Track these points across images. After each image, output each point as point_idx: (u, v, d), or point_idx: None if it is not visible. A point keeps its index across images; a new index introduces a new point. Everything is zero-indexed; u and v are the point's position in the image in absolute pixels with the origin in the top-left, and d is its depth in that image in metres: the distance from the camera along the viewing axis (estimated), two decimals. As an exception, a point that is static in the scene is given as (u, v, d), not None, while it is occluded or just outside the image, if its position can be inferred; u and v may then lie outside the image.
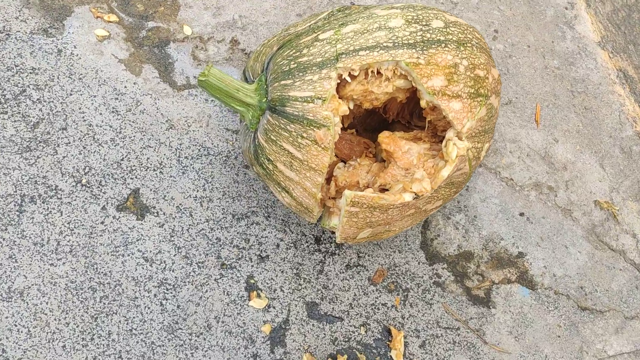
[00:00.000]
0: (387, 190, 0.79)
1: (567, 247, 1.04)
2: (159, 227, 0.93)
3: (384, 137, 0.75)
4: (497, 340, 0.95)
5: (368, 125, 0.93)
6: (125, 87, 1.04)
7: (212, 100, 1.06)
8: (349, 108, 0.74)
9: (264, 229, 0.95)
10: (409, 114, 0.86)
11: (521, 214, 1.06)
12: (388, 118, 0.85)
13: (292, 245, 0.95)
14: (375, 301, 0.93)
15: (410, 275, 0.96)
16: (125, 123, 1.01)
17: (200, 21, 1.14)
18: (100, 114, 1.01)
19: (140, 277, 0.89)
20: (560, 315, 0.98)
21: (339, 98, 0.73)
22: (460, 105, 0.71)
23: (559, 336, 0.96)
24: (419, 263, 0.98)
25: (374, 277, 0.95)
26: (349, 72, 0.70)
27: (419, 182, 0.72)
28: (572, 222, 1.07)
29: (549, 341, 0.96)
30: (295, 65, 0.71)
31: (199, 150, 1.00)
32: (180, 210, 0.95)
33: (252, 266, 0.92)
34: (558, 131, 1.16)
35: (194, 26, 1.13)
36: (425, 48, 0.70)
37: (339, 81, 0.70)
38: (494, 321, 0.96)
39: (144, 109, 1.02)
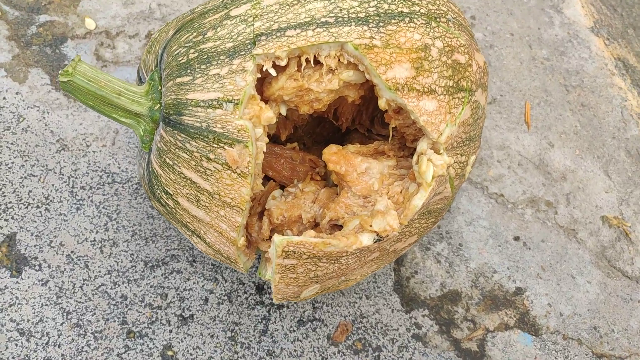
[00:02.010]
0: (340, 226, 0.57)
1: (573, 276, 0.84)
2: (42, 285, 0.69)
3: (331, 153, 0.53)
4: (497, 407, 0.73)
5: (318, 135, 0.71)
6: (4, 98, 0.80)
7: (120, 112, 0.82)
8: (280, 114, 0.52)
9: (188, 279, 0.72)
10: (368, 119, 0.64)
11: (516, 239, 0.85)
12: (341, 126, 0.64)
13: (225, 298, 0.72)
14: (337, 367, 0.71)
15: (381, 328, 0.74)
16: (0, 146, 0.76)
17: (107, 12, 0.91)
18: (-35, 134, 0.77)
19: (13, 358, 0.65)
20: (572, 366, 0.77)
21: (263, 100, 0.51)
22: (435, 104, 0.50)
23: (573, 395, 0.76)
24: (392, 311, 0.76)
25: (334, 334, 0.72)
26: (273, 62, 0.48)
27: (382, 217, 0.50)
28: (577, 244, 0.87)
29: (561, 403, 0.75)
30: (196, 54, 0.49)
31: (100, 177, 0.77)
32: (72, 260, 0.71)
33: (171, 331, 0.69)
34: (553, 134, 0.96)
35: (99, 19, 0.90)
36: (381, 24, 0.48)
37: (259, 75, 0.48)
38: (492, 382, 0.74)
39: (28, 126, 0.79)
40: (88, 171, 0.77)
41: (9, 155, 0.76)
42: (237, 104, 0.47)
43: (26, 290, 0.68)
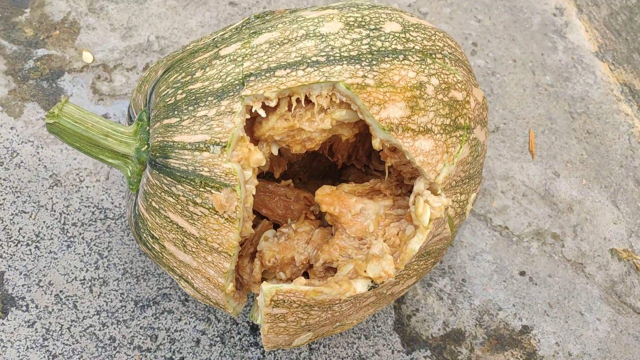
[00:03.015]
0: (335, 269, 0.54)
1: (582, 313, 0.81)
2: (28, 326, 0.66)
3: (324, 194, 0.51)
4: None
5: (314, 170, 0.69)
6: (-3, 133, 0.79)
7: (115, 145, 0.81)
8: (270, 155, 0.50)
9: (179, 319, 0.70)
10: (365, 155, 0.62)
11: (522, 274, 0.82)
12: (337, 162, 0.62)
13: (217, 339, 0.69)
14: (335, 413, 0.68)
15: (381, 370, 0.71)
16: (-8, 181, 0.75)
17: (104, 45, 0.90)
18: (-43, 171, 0.76)
19: (-3, 403, 0.63)
20: (584, 410, 0.73)
21: (253, 140, 0.49)
22: (431, 143, 0.48)
23: None
24: (392, 352, 0.73)
25: (332, 377, 0.69)
26: (263, 102, 0.46)
27: (377, 262, 0.47)
28: (585, 279, 0.83)
29: None
30: (184, 95, 0.47)
31: (92, 213, 0.75)
32: (60, 300, 0.69)
33: (161, 375, 0.66)
34: (558, 163, 0.93)
35: (97, 52, 0.89)
36: (375, 62, 0.47)
37: (248, 116, 0.47)
38: None
39: (22, 162, 0.77)
40: (80, 207, 0.75)
41: (1, 191, 0.75)
42: (225, 146, 0.45)
43: (11, 332, 0.66)
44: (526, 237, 0.86)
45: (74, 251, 0.72)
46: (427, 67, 0.48)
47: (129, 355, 0.67)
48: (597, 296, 0.82)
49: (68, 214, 0.75)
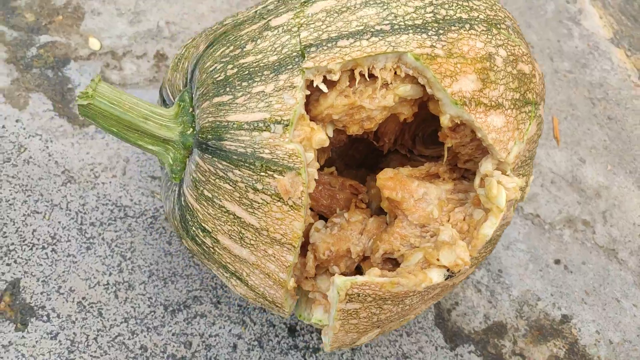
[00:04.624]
0: (394, 260, 0.51)
1: (618, 300, 0.79)
2: (51, 338, 0.61)
3: (386, 178, 0.48)
4: None
5: (350, 158, 0.65)
6: (2, 127, 0.73)
7: (130, 140, 0.76)
8: (327, 136, 0.46)
9: (213, 323, 0.65)
10: (410, 138, 0.59)
11: (557, 262, 0.80)
12: (382, 147, 0.58)
13: (255, 343, 0.65)
14: (382, 414, 0.64)
15: (426, 367, 0.68)
16: (0, 180, 0.69)
17: (112, 31, 0.85)
18: (-40, 170, 0.70)
19: (19, 420, 0.57)
20: (631, 399, 0.71)
21: (311, 120, 0.45)
22: (502, 119, 0.44)
23: None
24: (436, 348, 0.69)
25: (376, 376, 0.65)
26: (324, 76, 0.43)
27: (450, 249, 0.44)
28: (618, 265, 0.82)
29: None
30: (235, 70, 0.43)
31: (111, 211, 0.70)
32: (84, 307, 0.63)
33: (196, 381, 0.62)
34: (582, 149, 0.92)
35: (104, 38, 0.84)
36: (441, 31, 0.43)
37: (308, 92, 0.43)
38: (549, 422, 0.68)
39: (30, 157, 0.72)
40: (97, 205, 0.70)
41: (10, 190, 0.69)
42: (287, 125, 0.41)
43: (33, 346, 0.60)
44: (558, 224, 0.83)
45: (95, 253, 0.67)
46: (494, 38, 0.45)
47: (161, 362, 0.62)
48: (632, 282, 0.81)
49: (85, 213, 0.69)
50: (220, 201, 0.43)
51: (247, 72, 0.43)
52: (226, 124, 0.42)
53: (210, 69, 0.44)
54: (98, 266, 0.66)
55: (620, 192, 0.88)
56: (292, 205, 0.42)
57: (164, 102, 0.54)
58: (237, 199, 0.43)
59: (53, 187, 0.71)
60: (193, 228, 0.46)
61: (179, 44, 0.87)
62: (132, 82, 0.81)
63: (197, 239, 0.47)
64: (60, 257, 0.66)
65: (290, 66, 0.42)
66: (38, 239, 0.67)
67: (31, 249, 0.66)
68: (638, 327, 0.77)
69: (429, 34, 0.43)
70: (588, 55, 1.02)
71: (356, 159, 0.66)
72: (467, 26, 0.44)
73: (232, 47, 0.44)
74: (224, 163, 0.42)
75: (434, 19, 0.44)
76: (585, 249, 0.82)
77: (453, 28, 0.44)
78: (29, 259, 0.65)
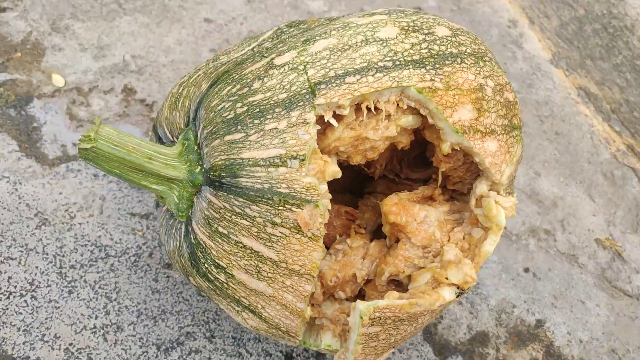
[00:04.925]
0: (397, 281, 0.53)
1: (583, 301, 0.85)
2: (37, 389, 0.58)
3: (392, 204, 0.50)
4: None
5: (336, 185, 0.67)
6: (-36, 171, 0.69)
7: (104, 175, 0.74)
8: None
9: (209, 358, 0.64)
10: (397, 163, 0.62)
11: (526, 270, 0.85)
12: (372, 173, 0.60)
13: (252, 374, 0.64)
14: None
15: (420, 382, 0.70)
16: (-34, 227, 0.65)
17: (76, 67, 0.83)
18: None
19: None
20: (603, 393, 0.77)
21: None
22: (496, 145, 0.48)
23: None
24: (427, 362, 0.72)
25: (375, 397, 0.66)
26: (333, 111, 0.44)
27: (457, 267, 0.46)
28: (579, 269, 0.88)
29: None
30: (245, 108, 0.44)
31: (91, 252, 0.67)
32: (72, 354, 0.60)
33: (198, 421, 0.60)
34: (537, 163, 0.99)
35: (68, 74, 0.82)
36: (437, 65, 0.46)
37: (319, 127, 0.44)
38: (536, 423, 0.72)
39: (-2, 201, 0.68)
40: (76, 247, 0.67)
41: (-22, 237, 0.65)
42: (303, 159, 0.42)
43: (19, 399, 0.57)
44: (523, 235, 0.89)
45: (78, 297, 0.64)
46: (482, 70, 0.49)
47: (161, 405, 0.60)
48: (592, 284, 0.87)
49: (63, 256, 0.66)
50: (237, 237, 0.44)
51: (257, 109, 0.43)
52: (241, 161, 0.43)
53: (218, 107, 0.45)
54: (83, 310, 0.63)
55: (574, 201, 0.96)
56: (310, 237, 0.43)
57: (159, 140, 0.53)
58: (255, 233, 0.43)
59: (26, 230, 0.67)
60: (205, 265, 0.46)
61: (146, 77, 0.85)
62: (102, 118, 0.79)
63: (210, 275, 0.46)
64: (41, 304, 0.63)
65: (302, 103, 0.43)
66: (15, 287, 0.63)
67: (8, 297, 0.62)
68: (602, 325, 0.84)
69: (427, 68, 0.46)
70: (532, 76, 1.11)
71: (342, 185, 0.68)
72: (459, 60, 0.48)
73: (238, 86, 0.45)
74: (241, 199, 0.43)
75: (429, 54, 0.47)
76: (549, 256, 0.88)
77: (447, 62, 0.47)
78: (7, 308, 0.61)
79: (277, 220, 0.42)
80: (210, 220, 0.45)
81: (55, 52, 0.83)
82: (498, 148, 0.48)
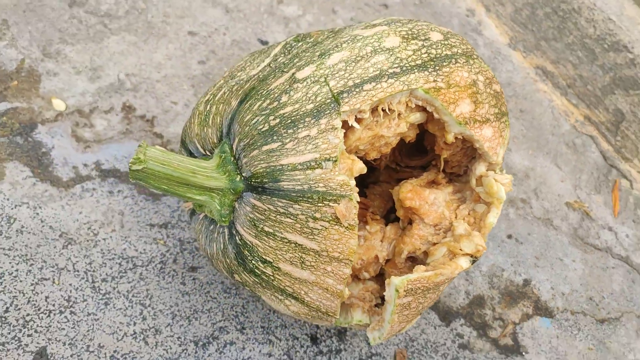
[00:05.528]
0: (414, 258, 0.60)
1: (561, 259, 0.95)
2: (93, 395, 0.62)
3: (407, 191, 0.57)
4: (544, 391, 0.80)
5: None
6: (-17, 201, 0.71)
7: (119, 191, 0.77)
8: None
9: (243, 348, 0.70)
10: (398, 153, 0.69)
11: (509, 237, 0.95)
12: (378, 165, 0.67)
13: (285, 357, 0.70)
14: (408, 395, 0.73)
15: (432, 346, 0.78)
16: (-3, 254, 0.68)
17: (73, 90, 0.85)
18: (-47, 250, 0.67)
19: None
20: (585, 336, 0.87)
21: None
22: (491, 131, 0.56)
23: (595, 361, 0.85)
24: (435, 328, 0.80)
25: (395, 364, 0.74)
26: (355, 116, 0.51)
27: (468, 239, 0.54)
28: (555, 231, 0.99)
29: (589, 371, 0.84)
30: (278, 120, 0.50)
31: (119, 265, 0.72)
32: None
33: (244, 406, 0.66)
34: (507, 139, 1.08)
35: (67, 98, 0.84)
36: (437, 67, 0.53)
37: (344, 130, 0.51)
38: (533, 369, 0.81)
39: (23, 226, 0.71)
40: (104, 261, 0.71)
41: (10, 262, 0.68)
42: (335, 160, 0.48)
43: (78, 407, 0.61)
44: (503, 205, 0.98)
45: (114, 307, 0.68)
46: (472, 67, 0.56)
47: (209, 395, 0.65)
48: (567, 242, 0.98)
49: (94, 271, 0.70)
50: (282, 234, 0.50)
51: (289, 120, 0.49)
52: (280, 167, 0.49)
53: (252, 121, 0.50)
54: (121, 318, 0.68)
55: (543, 170, 1.06)
56: (347, 227, 0.49)
57: (190, 154, 0.58)
58: (299, 229, 0.49)
59: (54, 251, 0.70)
60: (252, 262, 0.52)
61: (142, 94, 0.89)
62: (107, 137, 0.82)
63: (257, 270, 0.52)
64: (81, 318, 0.66)
65: (328, 111, 0.49)
66: (53, 305, 0.67)
67: (48, 315, 0.66)
68: (579, 277, 0.94)
69: (429, 70, 0.53)
70: (494, 60, 1.20)
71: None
72: (453, 60, 0.55)
73: (268, 101, 0.51)
74: (284, 200, 0.49)
75: (429, 58, 0.54)
76: (527, 222, 0.98)
77: (444, 63, 0.54)
78: (50, 326, 0.65)
79: (318, 215, 0.49)
80: (255, 222, 0.50)
81: (50, 77, 0.85)
82: (493, 133, 0.56)
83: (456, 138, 0.56)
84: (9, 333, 0.63)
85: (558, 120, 1.15)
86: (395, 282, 0.50)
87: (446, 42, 0.56)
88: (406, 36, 0.55)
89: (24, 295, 0.66)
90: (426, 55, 0.54)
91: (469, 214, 0.58)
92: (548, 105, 1.16)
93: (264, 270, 0.52)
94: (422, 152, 0.70)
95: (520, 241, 0.95)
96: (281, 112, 0.50)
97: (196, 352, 0.68)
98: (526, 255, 0.94)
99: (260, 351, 0.70)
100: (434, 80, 0.53)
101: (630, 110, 1.16)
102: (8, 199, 0.72)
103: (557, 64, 1.20)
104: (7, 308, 0.65)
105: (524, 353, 0.82)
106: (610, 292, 0.95)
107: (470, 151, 0.61)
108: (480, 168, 0.57)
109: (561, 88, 1.19)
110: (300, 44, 0.58)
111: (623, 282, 0.97)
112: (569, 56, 1.20)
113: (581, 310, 0.90)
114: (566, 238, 0.98)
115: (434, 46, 0.55)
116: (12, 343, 0.62)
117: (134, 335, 0.67)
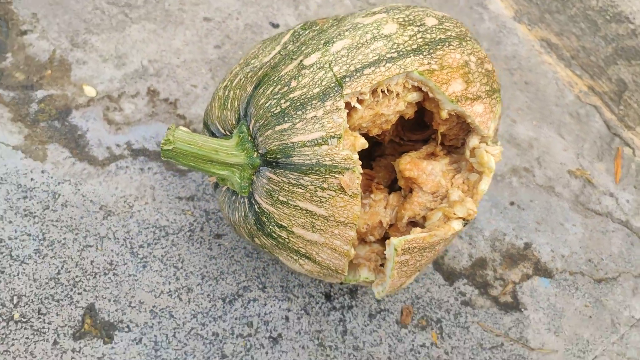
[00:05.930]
0: (415, 222, 0.67)
1: (562, 224, 1.01)
2: (137, 343, 0.71)
3: (406, 163, 0.63)
4: (540, 342, 0.88)
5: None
6: (32, 179, 0.80)
7: (149, 168, 0.86)
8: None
9: (264, 304, 0.78)
10: (401, 129, 0.75)
11: (511, 203, 1.01)
12: (383, 139, 0.74)
13: (302, 312, 0.79)
14: (413, 345, 0.81)
15: (436, 303, 0.85)
16: (46, 226, 0.77)
17: (102, 77, 0.93)
18: (10, 222, 0.76)
19: (131, 418, 0.68)
20: (583, 294, 0.94)
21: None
22: (482, 107, 0.62)
23: (590, 317, 0.92)
24: (439, 287, 0.87)
25: (402, 318, 0.82)
26: (357, 97, 0.57)
27: (461, 205, 0.61)
28: (557, 198, 1.04)
29: (584, 325, 0.91)
30: (288, 103, 0.57)
31: (153, 233, 0.80)
32: (156, 314, 0.74)
33: (267, 353, 0.75)
34: (512, 111, 1.13)
35: (97, 84, 0.92)
36: (431, 51, 0.59)
37: (347, 110, 0.57)
38: (531, 324, 0.88)
39: (67, 201, 0.80)
40: (140, 230, 0.80)
41: (58, 232, 0.77)
42: (339, 137, 0.55)
43: (124, 353, 0.70)
44: (507, 174, 1.04)
45: (151, 269, 0.77)
46: (465, 49, 0.62)
47: (235, 343, 0.74)
48: (568, 208, 1.03)
49: (132, 239, 0.79)
50: (294, 202, 0.57)
51: (299, 103, 0.56)
52: (291, 144, 0.56)
53: (266, 104, 0.57)
54: (157, 279, 0.77)
55: (547, 140, 1.11)
56: (351, 195, 0.56)
57: (212, 134, 0.66)
58: (309, 197, 0.57)
59: (96, 222, 0.79)
60: (270, 227, 0.60)
61: (165, 79, 0.96)
62: (135, 119, 0.90)
63: (274, 234, 0.60)
64: (122, 278, 0.76)
65: (332, 94, 0.56)
66: (98, 268, 0.76)
67: (94, 277, 0.75)
68: (579, 240, 1.00)
69: (424, 54, 0.59)
70: (499, 34, 1.24)
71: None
72: (447, 44, 0.61)
73: (279, 86, 0.57)
74: (295, 173, 0.56)
75: (424, 42, 0.59)
76: (530, 190, 1.04)
77: (438, 47, 0.60)
78: (96, 286, 0.74)
79: (325, 185, 0.56)
80: (271, 192, 0.58)
81: (80, 66, 0.93)
82: (484, 109, 0.62)
83: (450, 114, 0.62)
84: (62, 292, 0.73)
85: (562, 91, 1.19)
86: (394, 242, 0.57)
87: (440, 27, 0.62)
88: (403, 23, 0.60)
89: (72, 260, 0.75)
90: (421, 39, 0.60)
91: (463, 182, 0.64)
92: (552, 77, 1.20)
93: (280, 234, 0.60)
94: (424, 127, 0.76)
95: (523, 207, 1.01)
96: (291, 95, 0.57)
97: (224, 307, 0.77)
98: (528, 220, 1.00)
99: (280, 307, 0.79)
100: (428, 63, 0.58)
101: (633, 80, 1.19)
102: (52, 177, 0.81)
103: (561, 36, 1.23)
104: (59, 271, 0.74)
105: (522, 309, 0.89)
106: (609, 254, 1.01)
107: (465, 125, 0.67)
108: (473, 141, 0.63)
109: (565, 59, 1.22)
110: (307, 32, 0.64)
111: (622, 244, 1.03)
112: (572, 28, 1.23)
113: (579, 271, 0.97)
114: (567, 204, 1.04)
115: (429, 31, 0.61)
116: (65, 300, 0.72)
117: (169, 293, 0.76)
